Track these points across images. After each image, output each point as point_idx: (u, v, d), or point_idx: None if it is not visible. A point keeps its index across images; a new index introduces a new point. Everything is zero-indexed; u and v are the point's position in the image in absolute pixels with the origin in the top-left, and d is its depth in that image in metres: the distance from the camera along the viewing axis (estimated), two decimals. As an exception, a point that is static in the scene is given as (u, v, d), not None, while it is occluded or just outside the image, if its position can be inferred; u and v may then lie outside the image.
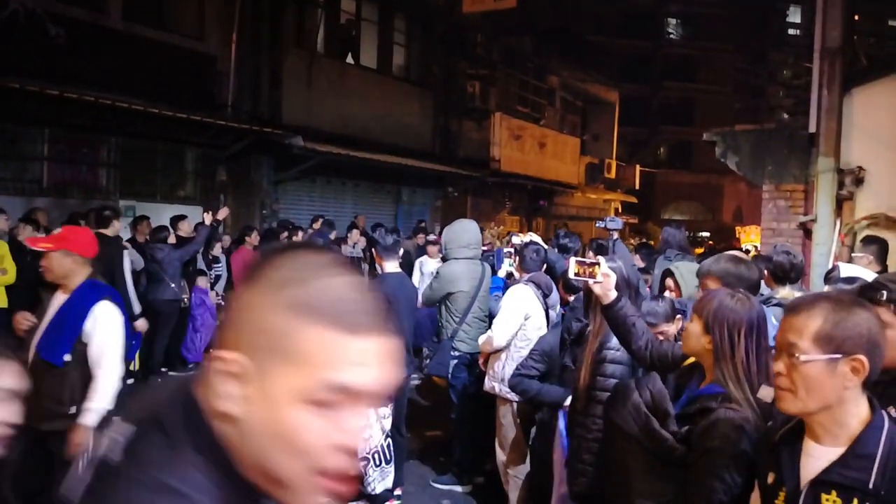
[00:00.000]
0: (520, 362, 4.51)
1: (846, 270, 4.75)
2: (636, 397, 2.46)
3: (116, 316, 3.85)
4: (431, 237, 9.90)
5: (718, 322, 2.43)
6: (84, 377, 3.72)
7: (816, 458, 1.73)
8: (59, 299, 3.85)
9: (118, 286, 7.33)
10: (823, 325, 1.68)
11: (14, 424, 1.67)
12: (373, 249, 5.59)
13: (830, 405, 1.69)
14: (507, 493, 5.29)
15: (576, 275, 3.08)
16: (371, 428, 5.17)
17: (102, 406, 3.69)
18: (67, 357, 3.71)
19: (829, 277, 4.71)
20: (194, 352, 9.48)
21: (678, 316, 3.93)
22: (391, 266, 5.40)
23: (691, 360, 2.69)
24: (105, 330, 3.77)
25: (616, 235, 6.94)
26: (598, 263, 3.06)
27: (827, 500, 1.69)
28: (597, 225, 7.55)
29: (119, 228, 7.70)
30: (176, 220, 9.54)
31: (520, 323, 5.12)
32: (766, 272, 4.45)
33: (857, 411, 1.70)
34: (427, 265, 9.85)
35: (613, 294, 3.07)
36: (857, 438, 1.68)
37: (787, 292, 4.35)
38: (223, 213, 8.94)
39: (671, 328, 3.83)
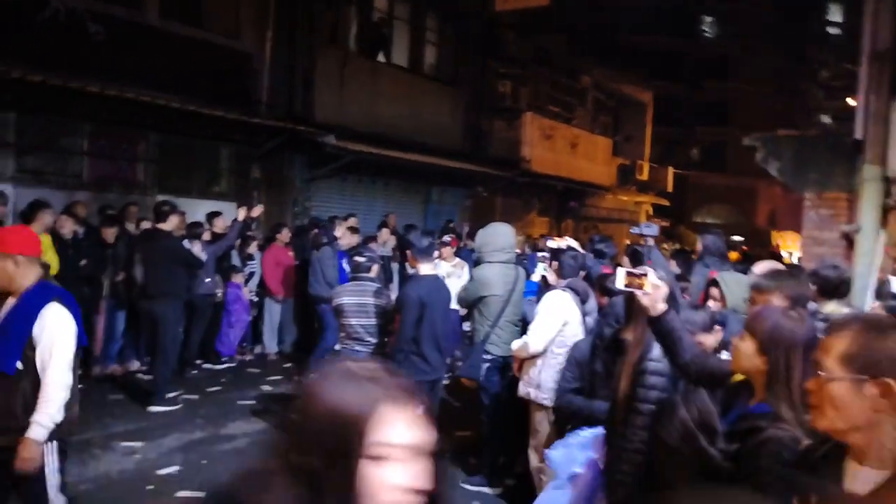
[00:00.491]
0: (559, 377, 4.46)
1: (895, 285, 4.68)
2: (683, 413, 2.44)
3: (66, 318, 3.55)
4: (446, 238, 9.87)
5: (775, 343, 2.40)
6: (36, 386, 3.46)
7: (861, 481, 1.70)
8: (8, 303, 3.53)
9: (177, 279, 7.62)
10: (851, 345, 1.67)
11: None
12: (407, 251, 5.60)
13: (860, 426, 1.67)
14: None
15: (625, 286, 3.01)
16: None
17: (48, 418, 3.43)
18: (19, 365, 3.43)
19: (881, 293, 4.65)
20: (228, 346, 9.61)
21: (717, 327, 3.91)
22: (426, 268, 5.43)
23: (740, 377, 2.65)
24: (52, 334, 3.48)
25: (651, 242, 6.89)
26: (647, 274, 2.99)
27: None
28: (632, 231, 7.48)
29: (178, 223, 7.94)
30: (211, 216, 9.68)
31: (557, 329, 5.10)
32: (813, 286, 4.39)
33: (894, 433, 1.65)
34: (440, 267, 9.91)
35: (662, 307, 3.00)
36: None
37: (833, 307, 4.28)
38: (257, 210, 9.06)
39: (709, 339, 3.81)
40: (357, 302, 5.96)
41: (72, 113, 9.85)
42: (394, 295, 7.21)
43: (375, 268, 6.27)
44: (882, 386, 1.62)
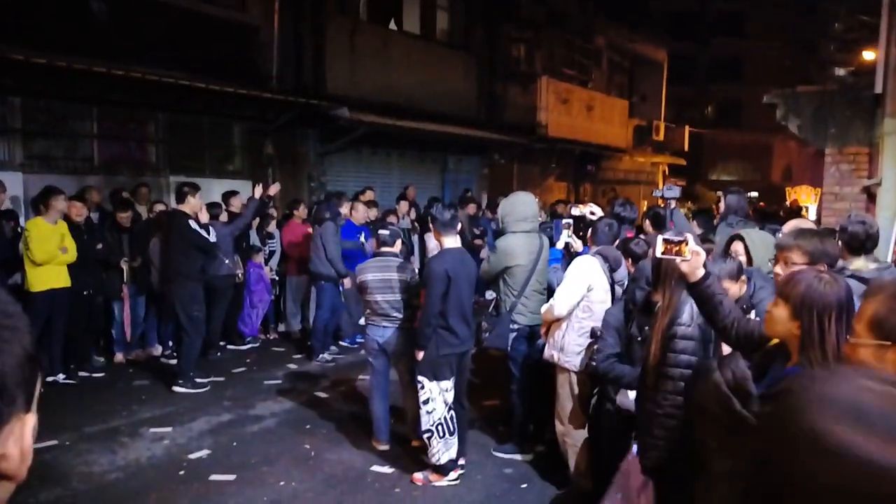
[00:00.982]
0: (599, 344, 4.42)
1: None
2: (717, 376, 2.40)
3: None
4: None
5: (807, 307, 2.36)
6: None
7: None
8: None
9: (191, 261, 7.62)
10: (879, 310, 1.64)
11: None
12: (430, 224, 5.52)
13: None
14: (566, 461, 5.29)
15: (663, 253, 2.99)
16: (434, 402, 5.20)
17: None
18: None
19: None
20: (251, 326, 9.60)
21: (743, 277, 3.89)
22: (450, 241, 5.36)
23: (776, 340, 2.63)
24: None
25: (674, 204, 6.78)
26: (686, 241, 2.97)
27: None
28: (654, 194, 7.38)
29: (196, 204, 7.77)
30: (228, 196, 9.62)
31: (582, 293, 5.07)
32: (839, 242, 4.30)
33: None
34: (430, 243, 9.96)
35: (702, 272, 3.01)
36: None
37: (861, 263, 4.22)
38: (275, 188, 8.95)
39: (734, 287, 3.83)
40: (381, 278, 5.87)
41: (78, 95, 9.77)
42: (415, 267, 7.16)
43: (399, 242, 6.16)
44: None
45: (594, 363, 4.64)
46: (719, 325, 3.03)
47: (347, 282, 8.73)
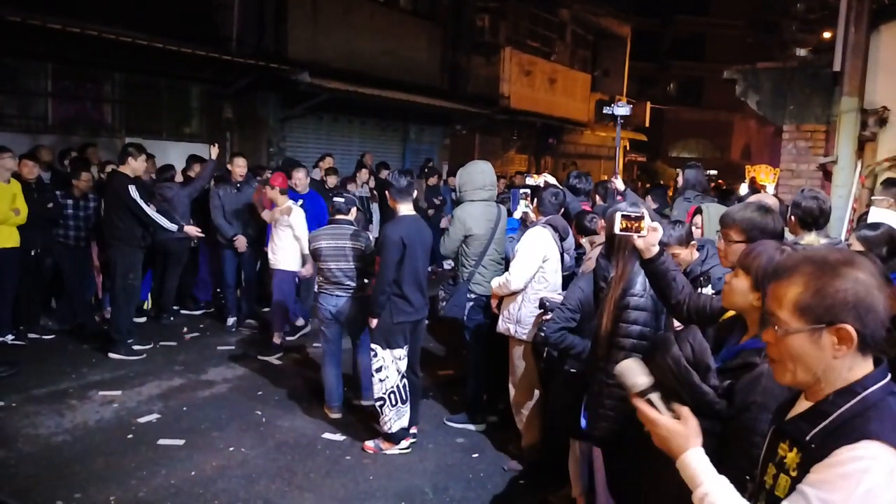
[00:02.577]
0: (554, 314, 4.41)
1: (873, 216, 4.65)
2: (676, 350, 2.39)
3: None
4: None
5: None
6: None
7: (796, 410, 1.69)
8: None
9: (128, 224, 7.28)
10: (803, 293, 1.57)
11: None
12: (386, 191, 5.47)
13: (818, 378, 1.60)
14: (520, 431, 5.33)
15: (622, 229, 2.99)
16: (387, 369, 5.19)
17: None
18: None
19: (858, 224, 4.63)
20: (205, 291, 9.47)
21: (693, 243, 3.94)
22: (406, 208, 5.32)
23: (731, 313, 2.64)
24: None
25: (618, 181, 6.88)
26: (643, 217, 2.98)
27: (782, 448, 1.65)
28: (604, 111, 7.34)
29: (138, 167, 7.43)
30: (191, 160, 9.48)
31: (537, 266, 5.10)
32: (792, 218, 4.35)
33: (851, 374, 1.57)
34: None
35: (657, 248, 3.02)
36: (827, 396, 1.58)
37: (812, 238, 4.26)
38: (215, 152, 8.83)
39: (684, 252, 3.92)
40: (334, 245, 5.86)
41: (33, 52, 9.50)
42: (373, 236, 7.11)
43: (354, 210, 6.13)
44: (839, 332, 1.53)
45: (543, 333, 4.66)
46: (672, 302, 3.04)
47: (242, 242, 8.55)
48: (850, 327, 1.52)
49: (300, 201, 8.42)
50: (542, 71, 20.63)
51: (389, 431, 5.32)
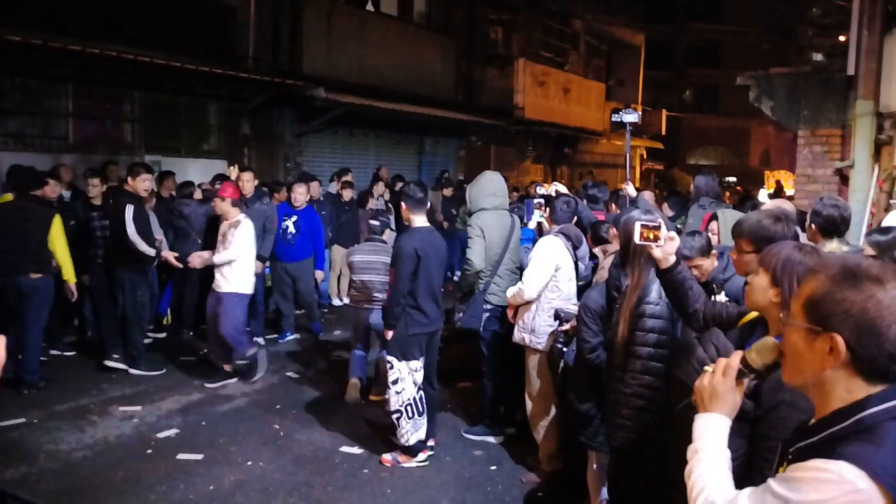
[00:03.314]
0: (584, 334, 4.18)
1: (888, 220, 4.62)
2: (701, 353, 2.40)
3: None
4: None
5: (788, 274, 2.38)
6: None
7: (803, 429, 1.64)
8: None
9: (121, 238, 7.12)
10: (816, 291, 1.51)
11: None
12: (400, 203, 5.49)
13: (812, 384, 1.55)
14: (537, 442, 5.32)
15: (641, 239, 2.96)
16: (404, 381, 5.20)
17: None
18: None
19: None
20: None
21: (714, 252, 3.91)
22: (420, 220, 5.34)
23: (749, 317, 2.64)
24: None
25: (631, 187, 6.87)
26: (660, 226, 2.95)
27: (782, 468, 1.60)
28: (613, 117, 7.29)
29: (139, 186, 7.26)
30: (218, 179, 9.28)
31: (550, 274, 5.10)
32: (812, 226, 4.32)
33: (850, 398, 1.49)
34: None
35: (674, 258, 3.00)
36: (828, 415, 1.52)
37: (834, 246, 4.22)
38: (234, 172, 8.83)
39: (706, 262, 3.86)
40: (368, 259, 6.65)
41: (54, 73, 9.66)
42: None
43: (388, 232, 7.00)
44: (830, 341, 1.47)
45: (559, 345, 4.65)
46: (689, 311, 3.01)
47: (259, 266, 7.96)
48: (840, 340, 1.45)
49: (294, 217, 8.43)
50: (557, 81, 20.64)
51: (406, 444, 5.33)
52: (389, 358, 5.28)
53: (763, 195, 17.31)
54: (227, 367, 7.12)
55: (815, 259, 2.36)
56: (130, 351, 7.38)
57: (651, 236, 2.94)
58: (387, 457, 5.41)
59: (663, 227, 2.96)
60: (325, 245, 10.53)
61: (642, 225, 2.96)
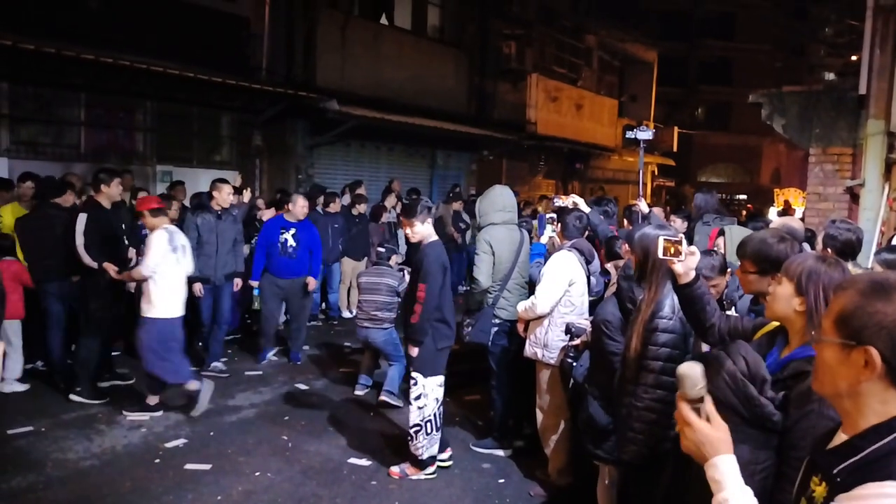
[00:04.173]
0: (610, 346, 4.05)
1: (899, 239, 4.62)
2: (730, 365, 2.38)
3: None
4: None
5: (813, 283, 2.38)
6: None
7: (833, 443, 1.63)
8: None
9: (96, 252, 6.70)
10: (846, 306, 1.52)
11: None
12: (409, 213, 5.44)
13: (842, 395, 1.55)
14: (546, 455, 5.29)
15: (665, 254, 2.95)
16: (427, 397, 5.16)
17: None
18: None
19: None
20: (233, 317, 9.51)
21: (729, 270, 3.92)
22: (432, 233, 5.34)
23: (766, 329, 2.64)
24: None
25: (643, 203, 6.86)
26: (682, 241, 2.96)
27: (813, 481, 1.61)
28: (627, 135, 7.34)
29: (110, 193, 6.79)
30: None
31: (564, 289, 5.09)
32: (829, 250, 4.31)
33: (885, 410, 1.50)
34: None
35: (693, 273, 3.00)
36: (862, 431, 1.52)
37: (850, 268, 4.22)
38: (239, 180, 8.87)
39: (722, 281, 3.92)
40: (373, 281, 7.03)
41: (67, 82, 9.74)
42: (405, 273, 7.20)
43: (395, 258, 7.34)
44: (866, 354, 1.47)
45: (570, 359, 4.63)
46: (705, 325, 3.01)
47: (198, 287, 7.50)
48: (875, 352, 1.46)
49: (293, 230, 8.19)
50: (569, 96, 20.70)
51: (420, 457, 5.30)
52: (414, 374, 5.23)
53: (773, 213, 17.26)
54: (149, 399, 6.40)
55: (839, 270, 2.38)
56: (77, 369, 6.82)
57: (674, 251, 2.95)
58: (395, 469, 5.39)
59: (684, 243, 2.97)
60: (335, 258, 10.60)
61: (665, 240, 2.95)
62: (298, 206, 8.33)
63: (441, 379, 5.26)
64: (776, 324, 2.60)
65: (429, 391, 5.20)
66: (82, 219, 6.68)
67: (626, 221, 7.22)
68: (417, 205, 5.26)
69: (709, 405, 1.83)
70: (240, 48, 11.95)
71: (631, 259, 3.86)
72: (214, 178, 8.48)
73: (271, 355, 8.49)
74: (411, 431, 5.26)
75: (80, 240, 6.63)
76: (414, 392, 5.21)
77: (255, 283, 8.26)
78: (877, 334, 1.47)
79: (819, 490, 1.57)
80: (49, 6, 9.09)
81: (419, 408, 5.19)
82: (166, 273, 6.19)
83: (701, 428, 1.79)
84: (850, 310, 1.52)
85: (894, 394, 1.49)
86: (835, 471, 1.53)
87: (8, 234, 7.03)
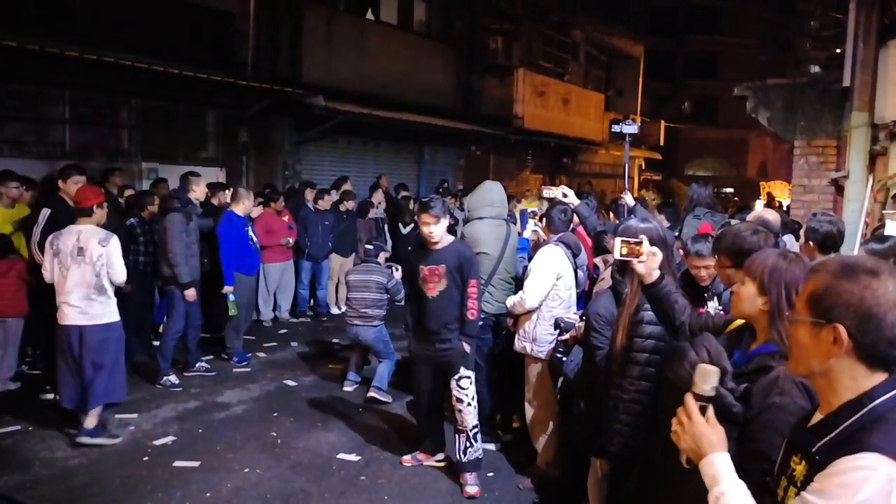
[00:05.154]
0: (596, 341, 3.96)
1: (890, 229, 4.66)
2: (693, 356, 2.41)
3: None
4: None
5: (775, 281, 2.41)
6: None
7: (811, 423, 1.71)
8: None
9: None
10: (817, 287, 1.62)
11: None
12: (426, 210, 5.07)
13: (815, 373, 1.65)
14: (536, 449, 5.31)
15: (622, 255, 2.96)
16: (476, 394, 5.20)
17: None
18: None
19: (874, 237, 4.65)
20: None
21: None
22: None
23: (736, 324, 2.66)
24: None
25: (629, 196, 6.86)
26: (642, 242, 2.96)
27: (793, 461, 1.68)
28: (613, 128, 7.34)
29: (69, 190, 6.35)
30: (213, 188, 9.21)
31: (552, 283, 5.10)
32: (811, 243, 4.36)
33: (855, 385, 1.59)
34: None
35: (657, 273, 3.01)
36: (836, 409, 1.61)
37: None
38: (222, 175, 8.75)
39: (714, 263, 3.86)
40: (362, 279, 7.04)
41: (50, 79, 9.64)
42: (394, 270, 7.27)
43: (382, 255, 7.37)
44: (834, 331, 1.57)
45: (559, 354, 4.65)
46: (675, 324, 3.03)
47: (191, 293, 7.35)
48: (842, 329, 1.55)
49: (248, 225, 8.22)
50: (556, 91, 20.72)
51: (479, 458, 5.20)
52: (468, 373, 5.14)
53: (759, 206, 17.37)
54: (88, 422, 5.67)
55: (800, 266, 2.42)
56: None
57: (628, 251, 2.95)
58: (407, 458, 5.46)
59: (645, 243, 2.96)
60: (324, 254, 10.62)
61: (622, 241, 2.96)
62: (250, 202, 8.30)
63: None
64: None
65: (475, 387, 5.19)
66: (45, 214, 6.36)
67: (612, 215, 7.23)
68: (441, 202, 5.08)
69: (711, 408, 1.90)
70: (225, 44, 11.89)
71: None
72: (185, 172, 8.34)
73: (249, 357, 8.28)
74: (470, 434, 5.13)
75: (36, 237, 6.31)
76: (469, 392, 5.11)
77: (230, 289, 7.89)
78: (844, 312, 1.57)
79: (799, 469, 1.64)
80: (32, 3, 9.02)
81: (475, 407, 5.16)
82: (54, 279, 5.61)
83: (702, 424, 1.86)
84: (821, 290, 1.61)
85: (863, 370, 1.59)
86: (813, 449, 1.60)
87: (3, 234, 6.96)
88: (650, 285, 3.03)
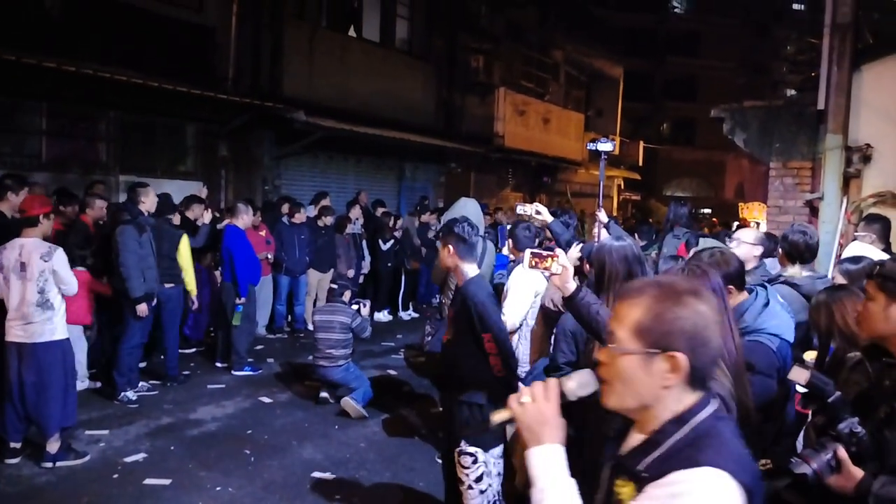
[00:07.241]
0: (553, 355, 3.86)
1: (853, 249, 4.73)
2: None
3: None
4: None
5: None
6: None
7: (629, 444, 1.64)
8: None
9: None
10: (644, 315, 1.54)
11: None
12: (446, 240, 3.91)
13: (648, 404, 1.57)
14: (515, 467, 5.27)
15: (531, 266, 3.02)
16: (490, 476, 3.91)
17: None
18: None
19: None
20: (196, 330, 9.44)
21: None
22: (473, 269, 3.93)
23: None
24: None
25: (603, 215, 6.91)
26: (556, 255, 3.01)
27: (618, 484, 1.62)
28: (588, 146, 7.47)
29: (13, 203, 6.19)
30: (189, 201, 9.04)
31: (530, 302, 5.10)
32: (780, 251, 4.47)
33: (677, 406, 1.56)
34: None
35: (573, 286, 3.06)
36: (661, 427, 1.56)
37: (795, 271, 4.41)
38: (204, 192, 8.97)
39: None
40: (326, 319, 7.05)
41: (28, 91, 9.54)
42: (365, 304, 7.44)
43: (347, 293, 7.37)
44: (672, 359, 1.52)
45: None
46: (602, 336, 2.90)
47: (143, 308, 7.06)
48: (682, 356, 1.51)
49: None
50: (536, 111, 20.85)
51: None
52: (472, 450, 3.80)
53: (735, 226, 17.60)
54: (50, 446, 5.51)
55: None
56: None
57: (541, 264, 2.99)
58: None
59: (561, 257, 3.03)
60: (302, 269, 10.58)
61: (532, 253, 3.01)
62: (249, 216, 8.71)
63: (502, 448, 3.99)
64: None
65: (492, 467, 3.88)
66: None
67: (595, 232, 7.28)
68: (454, 225, 3.92)
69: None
70: (206, 58, 11.84)
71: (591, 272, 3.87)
72: (133, 183, 8.05)
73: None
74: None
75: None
76: (474, 472, 3.81)
77: (241, 300, 8.26)
78: (680, 339, 1.52)
79: (626, 490, 1.59)
80: (9, 13, 8.94)
81: (481, 491, 3.83)
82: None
83: (553, 409, 1.67)
84: (650, 318, 1.54)
85: (689, 391, 1.56)
86: (639, 467, 1.56)
87: None
88: (569, 298, 3.09)
